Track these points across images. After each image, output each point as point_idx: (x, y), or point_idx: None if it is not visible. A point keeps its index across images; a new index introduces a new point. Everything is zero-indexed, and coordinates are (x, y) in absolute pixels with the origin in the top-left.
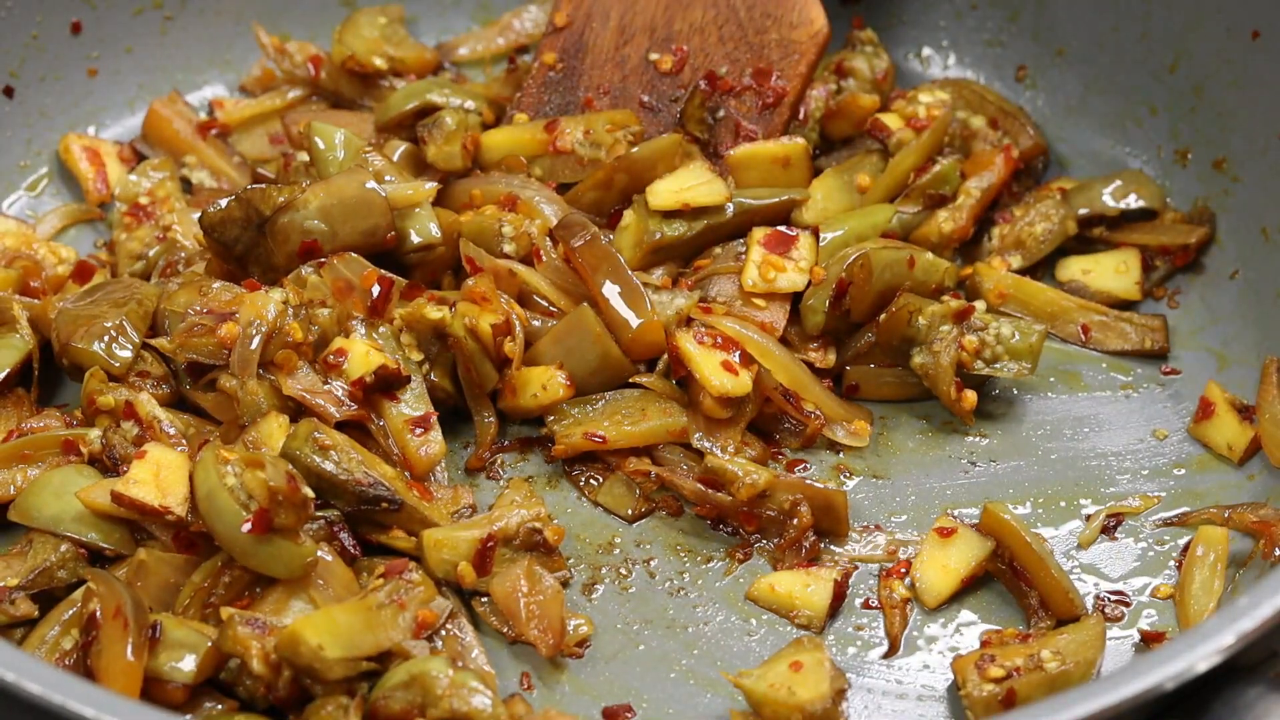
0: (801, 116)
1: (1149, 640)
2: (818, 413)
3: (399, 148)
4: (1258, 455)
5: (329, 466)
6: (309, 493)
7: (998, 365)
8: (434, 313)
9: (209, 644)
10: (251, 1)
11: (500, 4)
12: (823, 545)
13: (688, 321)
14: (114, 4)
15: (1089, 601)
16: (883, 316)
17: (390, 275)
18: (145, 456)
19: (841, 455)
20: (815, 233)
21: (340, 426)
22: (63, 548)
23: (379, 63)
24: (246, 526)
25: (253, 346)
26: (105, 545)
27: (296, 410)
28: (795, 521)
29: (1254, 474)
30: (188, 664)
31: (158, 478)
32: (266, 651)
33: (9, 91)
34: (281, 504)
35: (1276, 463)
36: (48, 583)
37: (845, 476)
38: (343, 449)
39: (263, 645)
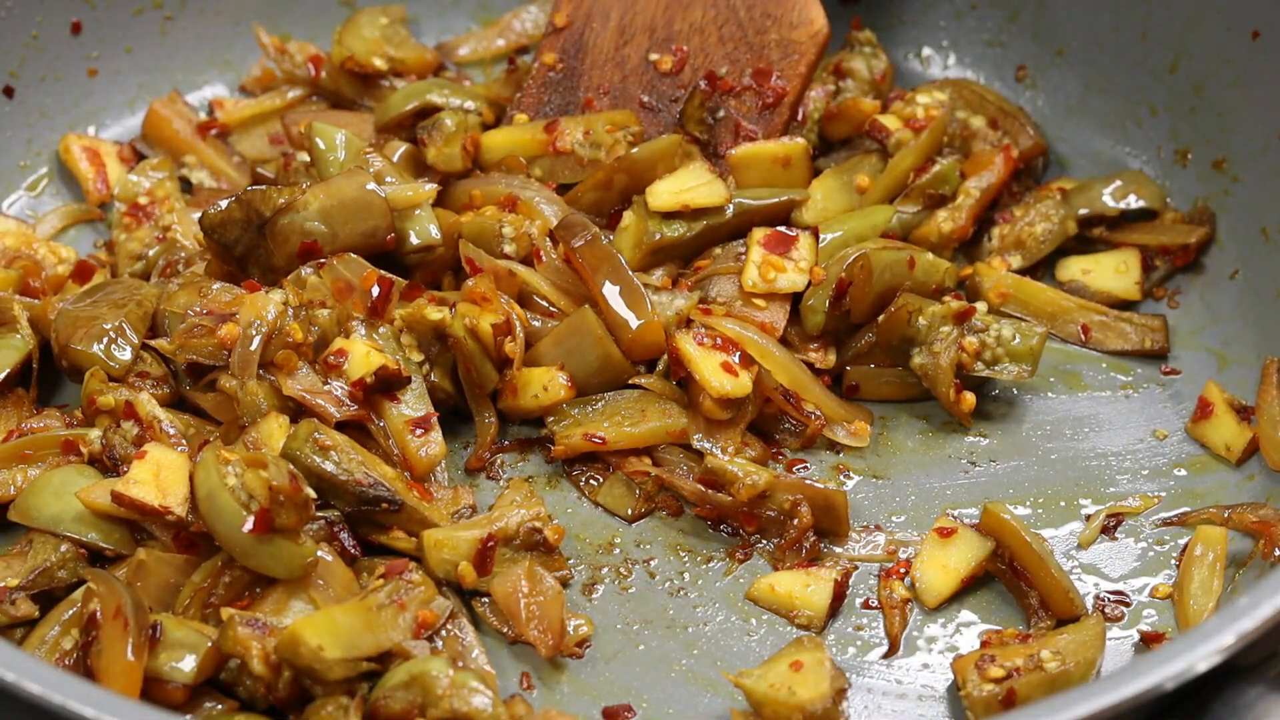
0: (800, 118)
1: (1149, 641)
2: (818, 413)
3: (399, 148)
4: (1255, 456)
5: (329, 467)
6: (311, 493)
7: (998, 367)
8: (434, 313)
9: (209, 644)
10: (251, 1)
11: (500, 4)
12: (823, 545)
13: (687, 322)
14: (114, 4)
15: (1089, 601)
16: (882, 317)
17: (390, 276)
18: (145, 456)
19: (841, 455)
20: (815, 233)
21: (340, 427)
22: (63, 548)
23: (378, 63)
24: (248, 526)
25: (253, 347)
26: (105, 545)
27: (296, 410)
28: (795, 522)
29: (1254, 474)
30: (188, 664)
31: (158, 478)
32: (267, 652)
33: (9, 91)
34: (283, 504)
35: (1274, 465)
36: (48, 583)
37: (845, 476)
38: (343, 449)
39: (263, 646)
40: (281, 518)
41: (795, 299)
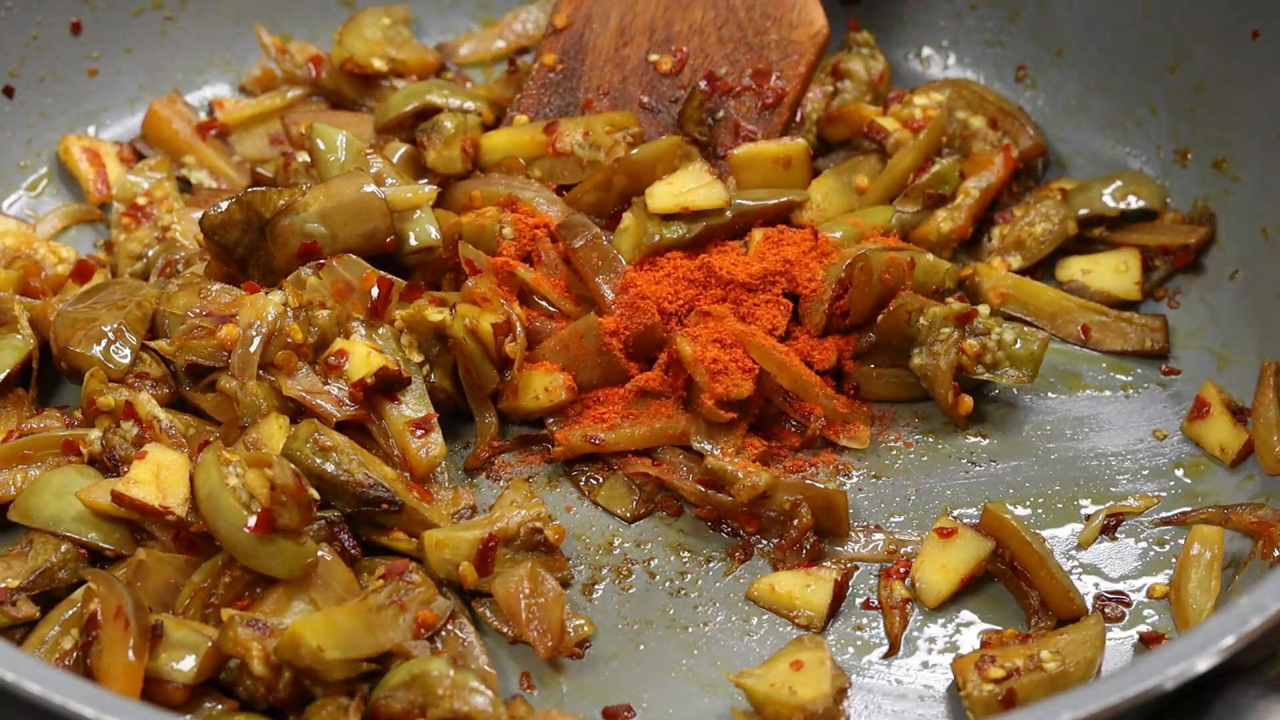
0: (798, 119)
1: (1148, 641)
2: (818, 415)
3: (399, 150)
4: (1251, 458)
5: (329, 468)
6: (314, 493)
7: (998, 371)
8: (435, 314)
9: (209, 644)
10: (252, 1)
11: (501, 5)
12: (823, 545)
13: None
14: (114, 4)
15: (1088, 602)
16: (881, 316)
17: (390, 277)
18: (146, 457)
19: (842, 455)
20: (814, 232)
21: (340, 427)
22: (63, 548)
23: (378, 64)
24: (250, 525)
25: (252, 348)
26: (106, 545)
27: (296, 411)
28: (796, 522)
29: (1253, 474)
30: (188, 664)
31: (158, 478)
32: (267, 652)
33: (9, 91)
34: (285, 504)
35: (1268, 468)
36: (48, 584)
37: (845, 477)
38: (343, 450)
39: (263, 646)
40: (284, 518)
41: (794, 299)
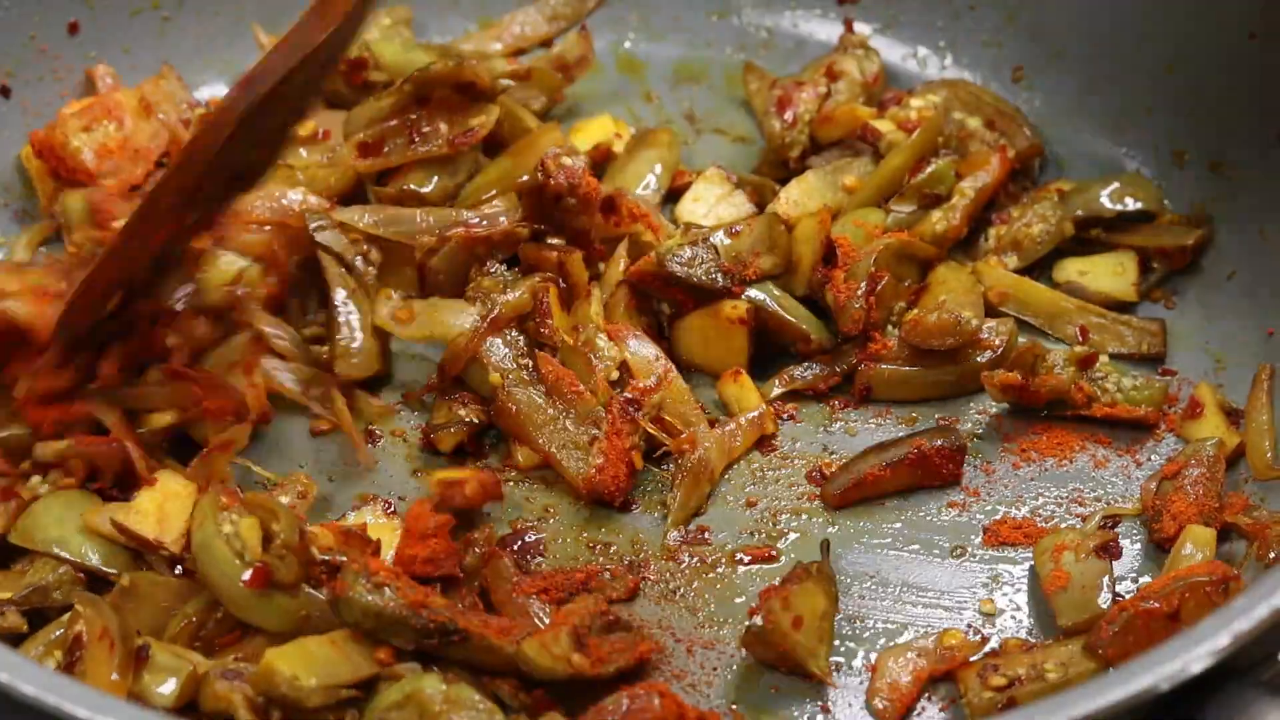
0: (791, 119)
1: None
2: None
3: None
4: (1242, 460)
5: (391, 605)
6: (316, 553)
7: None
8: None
9: (190, 668)
10: (249, 2)
11: (500, 6)
12: None
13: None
14: (111, 4)
15: None
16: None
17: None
18: (155, 485)
19: (834, 454)
20: (831, 245)
21: None
22: (61, 569)
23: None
24: (245, 577)
25: None
26: (107, 569)
27: None
28: None
29: (1248, 476)
30: (169, 688)
31: (160, 508)
32: (250, 699)
33: (6, 91)
34: (284, 559)
35: (1257, 473)
36: (42, 600)
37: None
38: (395, 584)
39: (245, 695)
40: (281, 573)
41: (811, 304)
